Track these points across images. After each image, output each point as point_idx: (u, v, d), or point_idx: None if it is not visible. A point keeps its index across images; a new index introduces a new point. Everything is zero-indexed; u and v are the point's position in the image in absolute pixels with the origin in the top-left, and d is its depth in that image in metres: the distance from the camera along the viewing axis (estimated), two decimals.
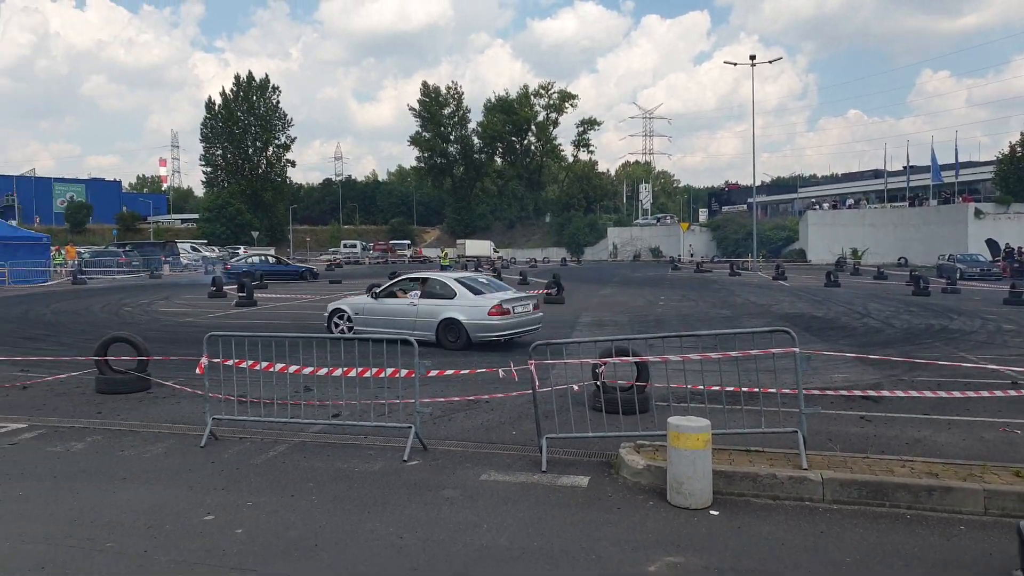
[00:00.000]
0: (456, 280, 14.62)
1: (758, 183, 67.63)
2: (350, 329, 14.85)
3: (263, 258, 44.57)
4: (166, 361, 11.34)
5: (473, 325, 13.50)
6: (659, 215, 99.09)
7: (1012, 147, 60.15)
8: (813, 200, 79.23)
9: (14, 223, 55.60)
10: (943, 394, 8.93)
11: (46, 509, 5.68)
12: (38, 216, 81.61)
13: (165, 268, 49.49)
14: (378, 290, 15.51)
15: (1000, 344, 14.72)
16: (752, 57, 50.00)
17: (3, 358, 12.83)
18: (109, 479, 6.44)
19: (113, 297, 27.85)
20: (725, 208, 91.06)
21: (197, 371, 7.69)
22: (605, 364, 7.86)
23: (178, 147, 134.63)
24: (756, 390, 8.22)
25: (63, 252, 48.20)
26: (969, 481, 5.68)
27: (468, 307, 13.69)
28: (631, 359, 7.69)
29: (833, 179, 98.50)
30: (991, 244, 48.65)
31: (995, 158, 63.59)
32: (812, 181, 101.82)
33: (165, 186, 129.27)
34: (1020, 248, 43.41)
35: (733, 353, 7.63)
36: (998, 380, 10.51)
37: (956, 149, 62.40)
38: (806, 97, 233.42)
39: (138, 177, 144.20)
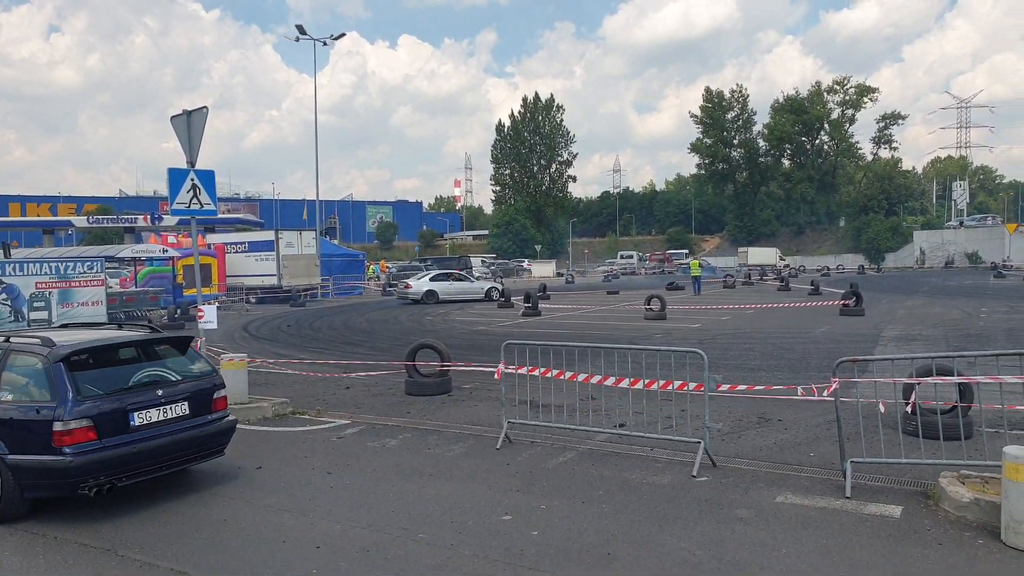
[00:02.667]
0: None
1: None
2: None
3: None
4: (465, 367, 12.23)
5: None
6: (978, 215, 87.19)
7: None
8: None
9: (336, 242, 63.89)
10: None
11: (368, 499, 6.36)
12: (337, 238, 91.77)
13: None
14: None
15: None
16: None
17: (332, 361, 14.72)
18: (419, 474, 7.05)
19: (416, 307, 30.73)
20: None
21: (495, 377, 8.17)
22: (921, 383, 7.03)
23: (470, 168, 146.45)
24: None
25: (375, 267, 54.47)
26: None
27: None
28: (953, 379, 6.79)
29: None
30: None
31: None
32: None
33: (459, 205, 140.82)
34: None
35: None
36: None
37: None
38: None
39: (436, 198, 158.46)
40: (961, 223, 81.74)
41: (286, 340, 19.79)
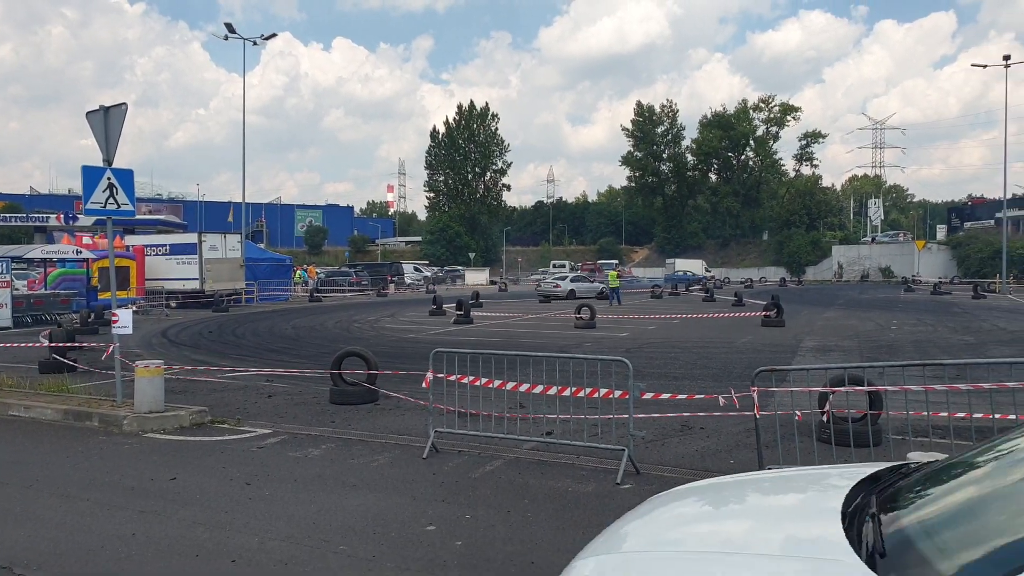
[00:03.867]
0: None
1: (1009, 196, 60.56)
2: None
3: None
4: (392, 375, 12.08)
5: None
6: (890, 232, 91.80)
7: None
8: None
9: (262, 246, 62.40)
10: None
11: (288, 510, 6.18)
12: (264, 241, 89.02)
13: (391, 287, 53.25)
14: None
15: None
16: (1007, 57, 45.79)
17: (253, 370, 14.34)
18: (341, 485, 6.90)
19: (345, 314, 30.30)
20: (968, 224, 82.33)
21: (423, 385, 8.08)
22: (835, 393, 7.27)
23: (404, 174, 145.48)
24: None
25: (303, 272, 53.47)
26: None
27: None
28: (864, 388, 7.05)
29: None
30: None
31: None
32: None
33: (392, 210, 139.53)
34: None
35: (986, 385, 6.73)
36: None
37: None
38: None
39: (368, 203, 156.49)
40: (874, 239, 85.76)
41: (207, 347, 19.20)
